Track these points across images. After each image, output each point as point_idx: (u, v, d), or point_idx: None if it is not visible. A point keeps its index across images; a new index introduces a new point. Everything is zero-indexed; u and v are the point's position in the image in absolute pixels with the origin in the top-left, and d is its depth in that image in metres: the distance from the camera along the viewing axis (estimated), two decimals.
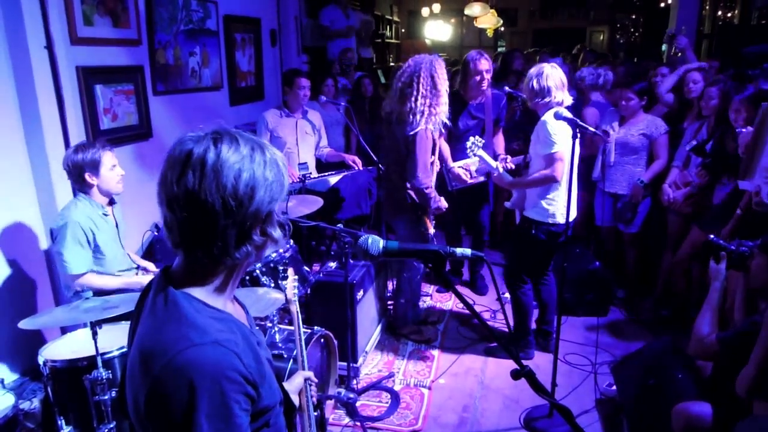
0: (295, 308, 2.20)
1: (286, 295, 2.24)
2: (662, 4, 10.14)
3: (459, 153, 3.97)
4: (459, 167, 3.87)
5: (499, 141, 4.13)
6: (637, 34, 12.91)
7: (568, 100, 3.16)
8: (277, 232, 1.07)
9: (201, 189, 0.97)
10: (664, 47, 8.31)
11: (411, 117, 3.22)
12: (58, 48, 3.08)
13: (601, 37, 13.28)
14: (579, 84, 4.62)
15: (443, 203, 3.47)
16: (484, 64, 3.77)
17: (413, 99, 3.21)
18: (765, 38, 4.80)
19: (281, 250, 3.06)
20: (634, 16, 12.97)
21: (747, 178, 2.81)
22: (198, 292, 1.05)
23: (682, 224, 3.77)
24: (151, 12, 3.87)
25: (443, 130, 3.51)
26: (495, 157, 3.74)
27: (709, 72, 4.16)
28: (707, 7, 7.14)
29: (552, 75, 3.10)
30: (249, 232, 1.03)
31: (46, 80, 3.07)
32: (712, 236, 2.43)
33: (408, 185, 3.39)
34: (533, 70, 3.17)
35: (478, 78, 3.79)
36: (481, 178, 3.92)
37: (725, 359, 2.25)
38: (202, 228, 0.99)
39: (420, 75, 3.21)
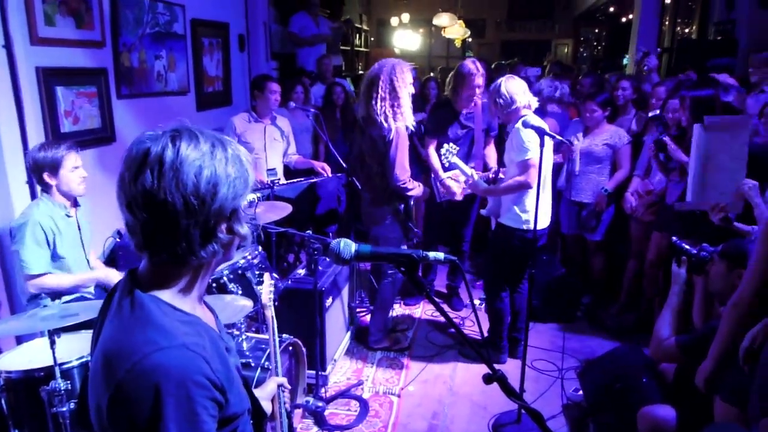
0: (270, 313, 2.16)
1: (261, 300, 2.21)
2: (624, 20, 10.47)
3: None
4: (450, 178, 3.83)
5: (491, 152, 4.09)
6: (599, 47, 13.31)
7: (534, 102, 3.26)
8: (244, 229, 1.05)
9: (160, 188, 0.94)
10: (625, 60, 8.57)
11: (378, 119, 3.24)
12: (17, 48, 2.98)
13: (566, 50, 13.61)
14: (537, 96, 4.71)
15: (420, 189, 3.47)
16: (479, 80, 3.74)
17: (374, 101, 3.24)
18: (722, 52, 5.01)
19: (249, 257, 3.01)
20: (597, 30, 13.38)
21: (699, 199, 2.77)
22: (165, 295, 1.02)
23: (644, 232, 3.86)
24: (116, 14, 3.77)
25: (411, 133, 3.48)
26: (487, 169, 3.71)
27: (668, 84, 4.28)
28: (667, 23, 7.39)
29: (510, 83, 3.19)
30: (214, 230, 1.00)
31: (4, 81, 2.96)
32: (675, 239, 2.48)
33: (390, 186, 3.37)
34: (491, 88, 3.25)
35: (471, 93, 3.76)
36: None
37: (685, 362, 2.30)
38: (165, 229, 0.96)
39: (380, 78, 3.24)
